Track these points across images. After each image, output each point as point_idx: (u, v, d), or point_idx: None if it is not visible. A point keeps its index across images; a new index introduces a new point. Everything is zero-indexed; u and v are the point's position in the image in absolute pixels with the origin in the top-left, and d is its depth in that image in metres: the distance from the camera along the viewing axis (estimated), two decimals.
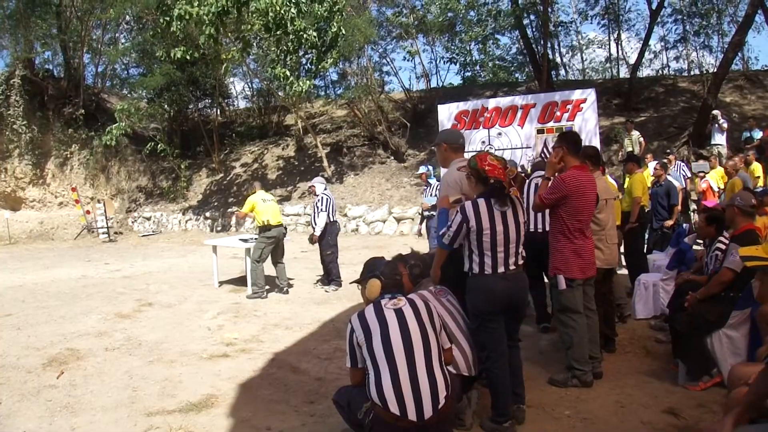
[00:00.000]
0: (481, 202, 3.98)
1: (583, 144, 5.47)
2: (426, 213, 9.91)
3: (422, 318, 3.50)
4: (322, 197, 9.78)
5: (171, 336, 7.14)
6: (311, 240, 9.95)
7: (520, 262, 4.13)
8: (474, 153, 4.78)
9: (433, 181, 10.09)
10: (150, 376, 5.66)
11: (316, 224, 9.73)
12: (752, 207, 5.03)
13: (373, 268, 3.86)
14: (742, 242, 4.84)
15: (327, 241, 9.81)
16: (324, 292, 9.63)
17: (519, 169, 10.69)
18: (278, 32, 16.81)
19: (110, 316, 8.25)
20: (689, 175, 13.10)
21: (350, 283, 4.43)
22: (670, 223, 9.59)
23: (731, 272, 4.80)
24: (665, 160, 11.58)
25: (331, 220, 9.81)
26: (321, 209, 9.70)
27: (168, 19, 16.62)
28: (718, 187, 11.77)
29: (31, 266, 14.25)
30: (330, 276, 9.94)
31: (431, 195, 9.78)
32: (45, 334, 7.33)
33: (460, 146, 4.86)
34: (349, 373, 3.76)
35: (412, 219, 16.98)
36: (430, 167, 10.30)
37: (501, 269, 4.00)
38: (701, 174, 11.86)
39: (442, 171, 5.18)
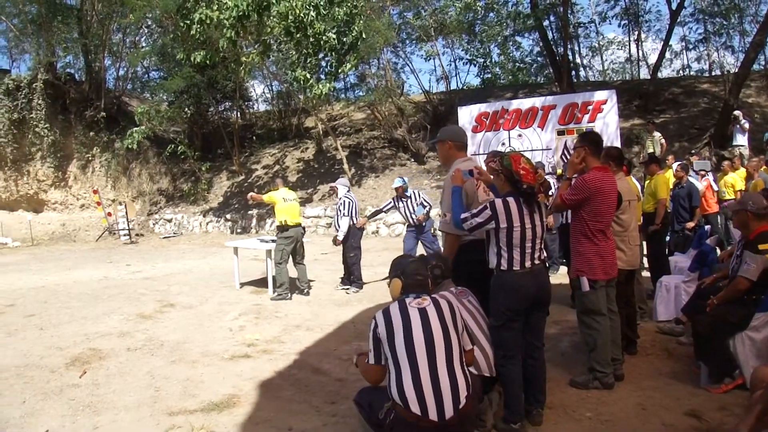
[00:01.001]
0: (512, 201, 4.01)
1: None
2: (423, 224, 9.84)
3: (445, 318, 3.49)
4: (344, 201, 9.78)
5: (192, 337, 7.18)
6: (335, 242, 9.98)
7: (542, 257, 4.18)
8: (487, 155, 4.76)
9: (409, 193, 9.98)
10: (172, 376, 5.70)
11: (339, 228, 9.76)
12: (766, 209, 4.97)
13: (398, 267, 3.86)
14: (756, 246, 4.81)
15: (350, 243, 9.83)
16: (345, 294, 9.64)
17: (547, 170, 10.65)
18: (298, 35, 16.85)
19: (132, 317, 8.32)
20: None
21: (382, 279, 4.42)
22: (691, 225, 9.48)
23: (746, 281, 4.74)
24: (686, 162, 11.45)
25: (354, 222, 9.83)
26: (344, 214, 9.70)
27: (188, 22, 16.72)
28: (739, 188, 11.63)
29: (53, 267, 14.42)
30: (352, 277, 9.97)
31: (417, 205, 9.76)
32: (68, 334, 7.42)
33: (463, 145, 4.86)
34: (367, 370, 3.73)
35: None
36: (406, 179, 10.24)
37: (528, 264, 4.04)
38: (702, 172, 11.73)
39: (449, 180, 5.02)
